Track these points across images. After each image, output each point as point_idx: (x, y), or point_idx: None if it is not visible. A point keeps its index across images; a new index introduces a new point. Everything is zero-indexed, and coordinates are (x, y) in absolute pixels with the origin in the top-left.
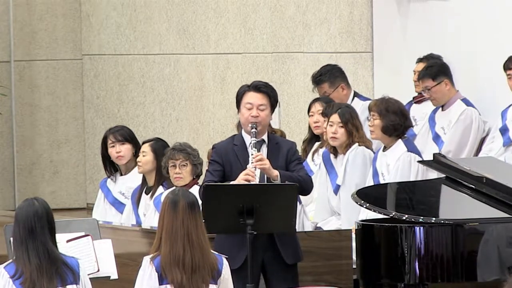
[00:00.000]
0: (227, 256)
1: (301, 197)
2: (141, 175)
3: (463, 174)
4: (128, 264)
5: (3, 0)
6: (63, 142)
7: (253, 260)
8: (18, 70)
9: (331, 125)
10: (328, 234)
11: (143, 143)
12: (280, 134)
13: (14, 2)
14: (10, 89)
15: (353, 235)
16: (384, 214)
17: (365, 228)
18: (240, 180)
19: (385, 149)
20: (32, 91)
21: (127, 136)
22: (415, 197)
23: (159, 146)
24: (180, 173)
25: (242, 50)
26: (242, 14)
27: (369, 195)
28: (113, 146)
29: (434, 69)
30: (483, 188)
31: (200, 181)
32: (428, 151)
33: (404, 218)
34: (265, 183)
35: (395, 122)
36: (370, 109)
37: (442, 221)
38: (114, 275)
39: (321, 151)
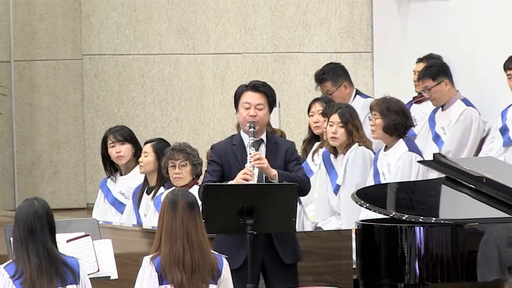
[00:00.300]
0: (227, 256)
1: (301, 197)
2: (141, 175)
3: (463, 174)
4: (128, 264)
5: (3, 0)
6: (63, 142)
7: (252, 260)
8: (18, 70)
9: (331, 125)
10: (328, 234)
11: (145, 143)
12: (280, 134)
13: (14, 2)
14: (10, 89)
15: (353, 235)
16: (384, 214)
17: (365, 228)
18: (238, 179)
19: (386, 148)
20: (32, 91)
21: (127, 136)
22: (415, 197)
23: (161, 147)
24: (180, 173)
25: (242, 50)
26: (242, 14)
27: (369, 195)
28: (113, 146)
29: (434, 69)
30: (483, 188)
31: (200, 181)
32: (428, 151)
33: (404, 218)
34: (265, 183)
35: (397, 121)
36: (371, 108)
37: (442, 221)
38: (114, 275)
39: (321, 151)
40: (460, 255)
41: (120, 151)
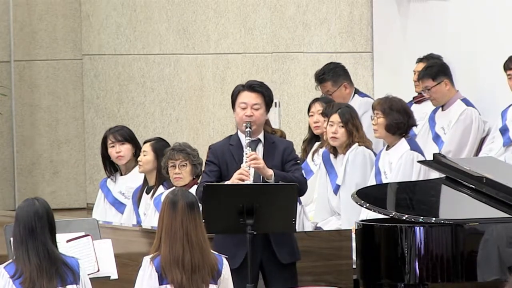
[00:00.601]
0: (227, 256)
1: (300, 197)
2: (141, 175)
3: (463, 174)
4: (128, 264)
5: (3, 0)
6: (63, 142)
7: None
8: (18, 70)
9: (331, 125)
10: (328, 234)
11: (144, 142)
12: (280, 134)
13: (14, 2)
14: (10, 89)
15: (353, 235)
16: (384, 214)
17: (365, 228)
18: (234, 180)
19: (388, 148)
20: (32, 91)
21: (127, 136)
22: (415, 197)
23: (160, 146)
24: (180, 173)
25: (242, 50)
26: (242, 14)
27: (369, 195)
28: (113, 146)
29: (434, 69)
30: (483, 188)
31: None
32: (428, 151)
33: (404, 218)
34: (266, 183)
35: (399, 120)
36: (373, 108)
37: (442, 221)
38: (114, 275)
39: (321, 151)
40: (460, 255)
41: (120, 151)
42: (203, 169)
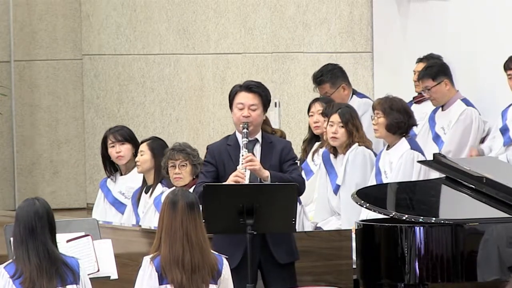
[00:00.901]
0: (227, 256)
1: (299, 197)
2: (141, 175)
3: (463, 174)
4: (128, 264)
5: (3, 0)
6: (63, 142)
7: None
8: (18, 70)
9: (331, 125)
10: (328, 234)
11: (141, 142)
12: (280, 134)
13: (14, 2)
14: (10, 89)
15: (353, 235)
16: (384, 214)
17: (365, 228)
18: (230, 181)
19: (388, 147)
20: (32, 91)
21: (127, 136)
22: (415, 197)
23: (157, 145)
24: (180, 173)
25: (242, 50)
26: (242, 14)
27: (369, 195)
28: (113, 146)
29: (434, 69)
30: (483, 188)
31: None
32: (428, 151)
33: (404, 218)
34: (265, 182)
35: (399, 120)
36: (374, 107)
37: (442, 221)
38: (114, 275)
39: (321, 151)
40: (460, 255)
41: (120, 151)
42: None
